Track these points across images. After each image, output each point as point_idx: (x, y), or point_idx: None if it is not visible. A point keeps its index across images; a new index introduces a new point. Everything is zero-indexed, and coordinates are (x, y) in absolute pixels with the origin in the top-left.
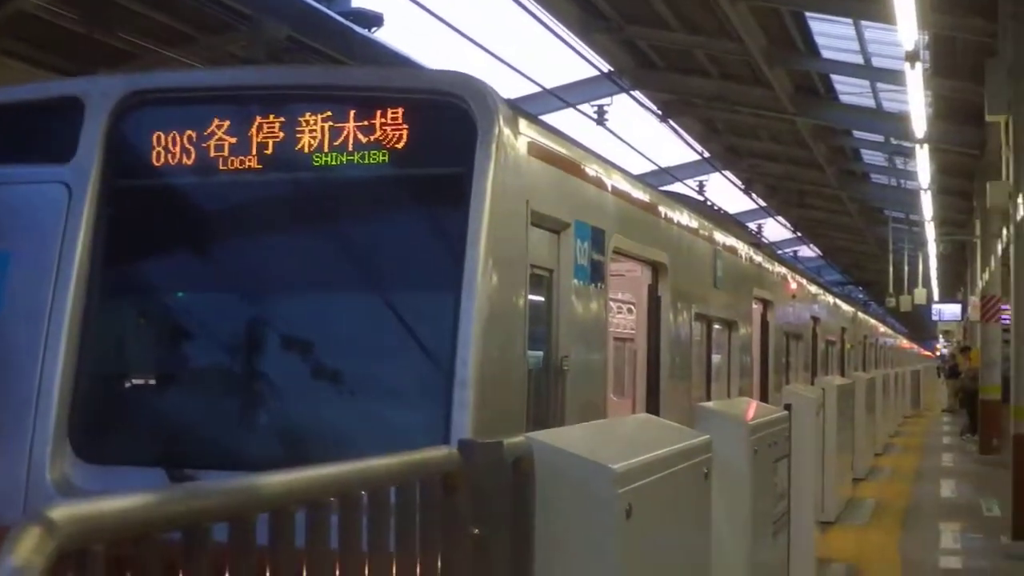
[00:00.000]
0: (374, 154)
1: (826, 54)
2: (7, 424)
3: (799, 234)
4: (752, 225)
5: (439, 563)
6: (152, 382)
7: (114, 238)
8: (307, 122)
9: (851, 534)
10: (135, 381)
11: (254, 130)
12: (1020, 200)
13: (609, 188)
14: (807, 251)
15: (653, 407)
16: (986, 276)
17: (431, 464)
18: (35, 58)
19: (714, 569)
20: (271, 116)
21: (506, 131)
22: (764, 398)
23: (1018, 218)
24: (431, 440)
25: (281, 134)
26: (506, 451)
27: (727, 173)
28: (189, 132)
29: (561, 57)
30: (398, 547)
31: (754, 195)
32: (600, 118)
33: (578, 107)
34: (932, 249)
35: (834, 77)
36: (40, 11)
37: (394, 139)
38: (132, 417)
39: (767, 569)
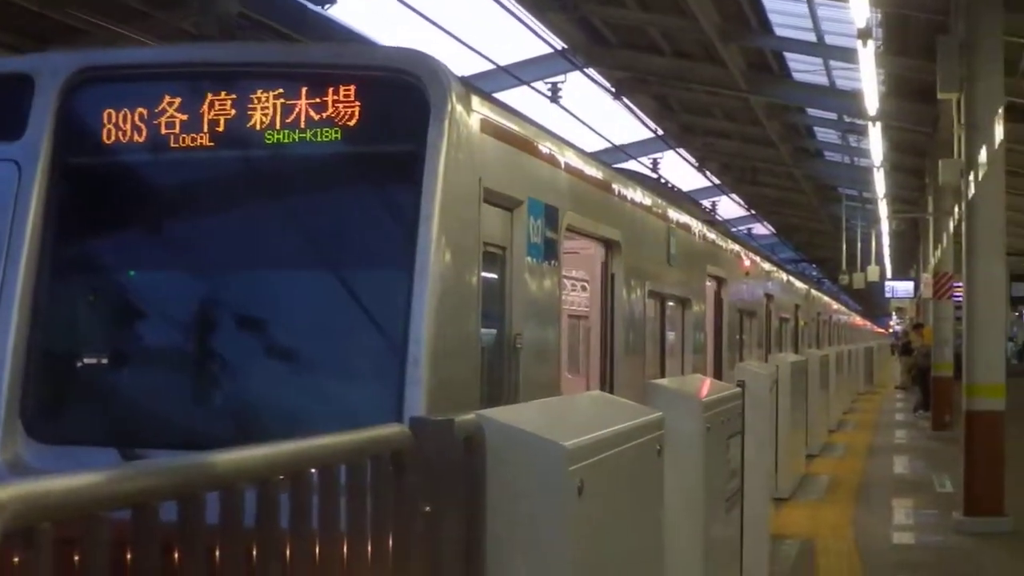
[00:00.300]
0: (326, 131)
1: (779, 32)
2: None
3: (753, 212)
4: (706, 203)
5: (390, 541)
6: (105, 361)
7: (65, 216)
8: (259, 99)
9: (805, 510)
10: (87, 360)
11: (206, 107)
12: (972, 178)
13: (562, 165)
14: (761, 229)
15: (606, 384)
16: (938, 254)
17: (382, 442)
18: None
19: (667, 546)
20: (223, 93)
21: (459, 108)
22: (718, 375)
23: (970, 196)
24: (385, 418)
25: (233, 111)
26: (457, 428)
27: (681, 151)
28: (140, 109)
29: (515, 34)
30: (349, 525)
31: (708, 173)
32: (554, 95)
33: (532, 85)
34: (885, 227)
35: (787, 55)
36: None
37: (346, 116)
38: (85, 396)
39: (720, 546)
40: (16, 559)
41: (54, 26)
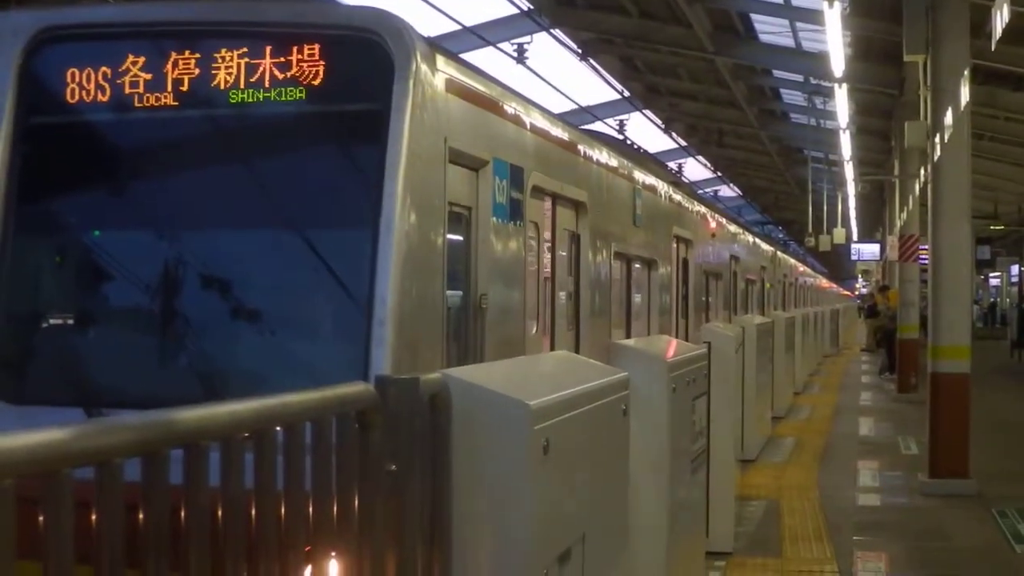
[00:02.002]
0: (291, 91)
1: None
2: None
3: (719, 174)
4: (672, 165)
5: (356, 499)
6: (69, 321)
7: (28, 176)
8: (223, 58)
9: (770, 472)
10: (51, 321)
11: (169, 66)
12: (938, 140)
13: (528, 126)
14: (727, 191)
15: (572, 345)
16: (904, 216)
17: (346, 400)
18: None
19: (632, 506)
20: (186, 52)
21: (423, 68)
22: (684, 336)
23: (936, 158)
24: (350, 378)
25: (197, 70)
26: (422, 387)
27: (647, 112)
28: (104, 68)
29: None
30: (314, 483)
31: (674, 134)
32: (520, 57)
33: (498, 46)
34: (851, 189)
35: (753, 16)
36: None
37: (310, 75)
38: (49, 357)
39: (686, 506)
40: None
41: None
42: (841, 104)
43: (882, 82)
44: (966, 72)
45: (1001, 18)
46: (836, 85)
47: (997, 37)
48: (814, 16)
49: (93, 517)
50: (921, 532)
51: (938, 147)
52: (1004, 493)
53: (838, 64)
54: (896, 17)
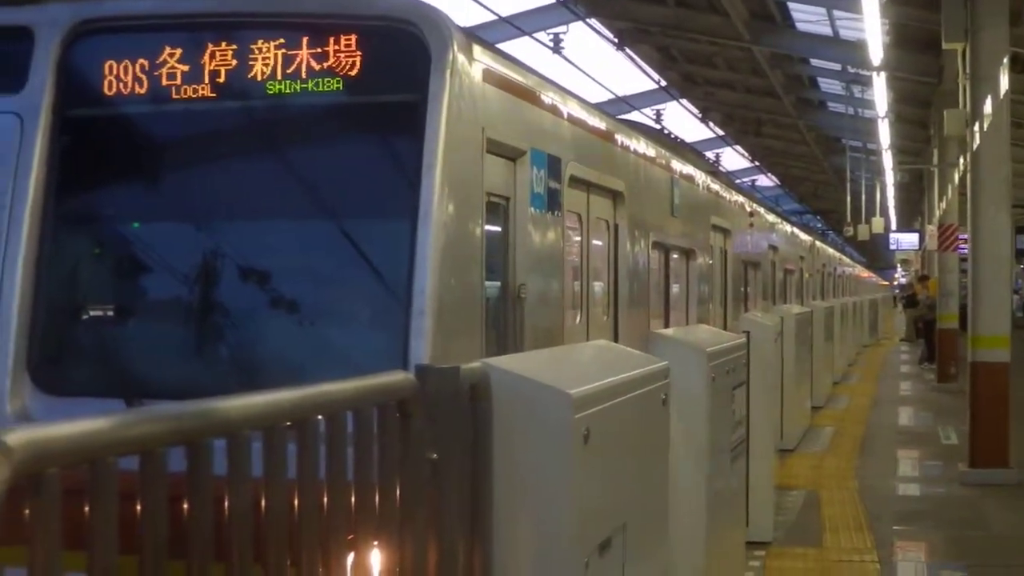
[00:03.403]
0: (328, 81)
1: None
2: None
3: (757, 163)
4: (710, 154)
5: (397, 488)
6: (110, 313)
7: (68, 168)
8: (260, 50)
9: (809, 461)
10: (93, 312)
11: (206, 58)
12: (977, 128)
13: (565, 116)
14: (765, 180)
15: (611, 334)
16: (943, 205)
17: (387, 389)
18: None
19: (672, 495)
20: (223, 44)
21: (460, 58)
22: (723, 326)
23: (975, 146)
24: (390, 369)
25: (234, 62)
26: (463, 376)
27: (684, 102)
28: (141, 60)
29: None
30: (356, 472)
31: (711, 124)
32: (556, 46)
33: (534, 35)
34: (889, 178)
35: (790, 4)
36: None
37: (347, 66)
38: (91, 348)
39: (725, 496)
40: (26, 508)
41: None
42: (879, 92)
43: (920, 70)
44: (1005, 60)
45: None
46: (874, 73)
47: None
48: (852, 4)
49: (137, 507)
50: (961, 521)
51: (977, 135)
52: None
53: (876, 52)
54: (934, 4)
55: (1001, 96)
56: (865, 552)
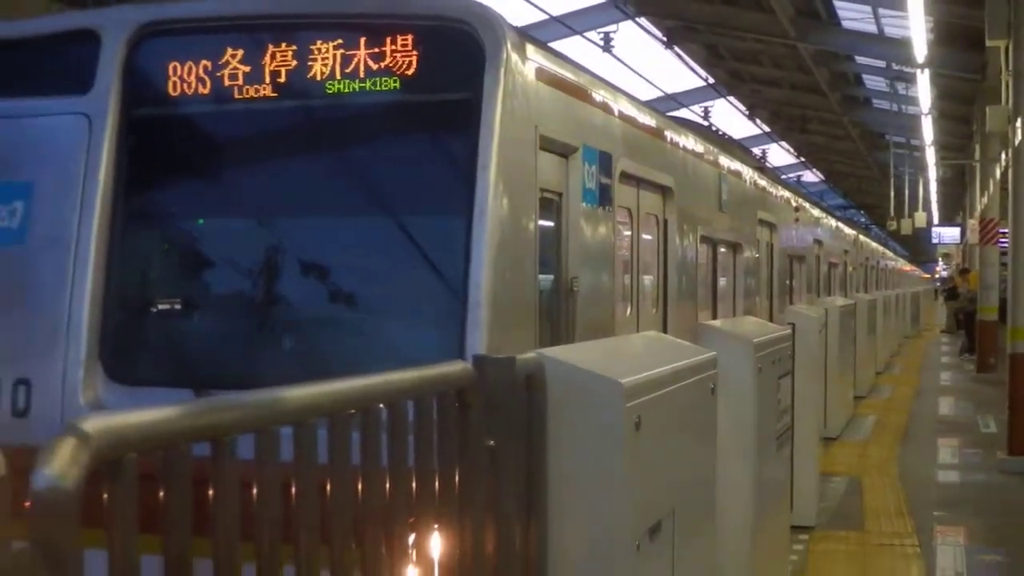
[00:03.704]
0: (385, 81)
1: None
2: (40, 351)
3: (802, 159)
4: (756, 150)
5: (456, 474)
6: (178, 306)
7: (135, 167)
8: (319, 50)
9: (852, 449)
10: (161, 306)
11: (267, 59)
12: (1019, 124)
13: (616, 113)
14: (810, 176)
15: (660, 325)
16: (985, 200)
17: (447, 379)
18: None
19: (719, 481)
20: (283, 45)
21: (514, 57)
22: (769, 318)
23: (1017, 142)
24: (447, 359)
25: (294, 62)
26: (518, 366)
27: (731, 99)
28: (204, 62)
29: None
30: (417, 458)
31: (758, 120)
32: (606, 45)
33: (584, 34)
34: (932, 173)
35: (835, 2)
36: None
37: (404, 65)
38: (160, 340)
39: (771, 482)
40: (104, 492)
41: None
42: (923, 89)
43: (964, 67)
44: None
45: None
46: (918, 71)
47: None
48: (897, 1)
49: (209, 491)
50: (1000, 508)
51: (1019, 131)
52: None
53: (920, 49)
54: (978, 2)
55: None
56: (905, 536)
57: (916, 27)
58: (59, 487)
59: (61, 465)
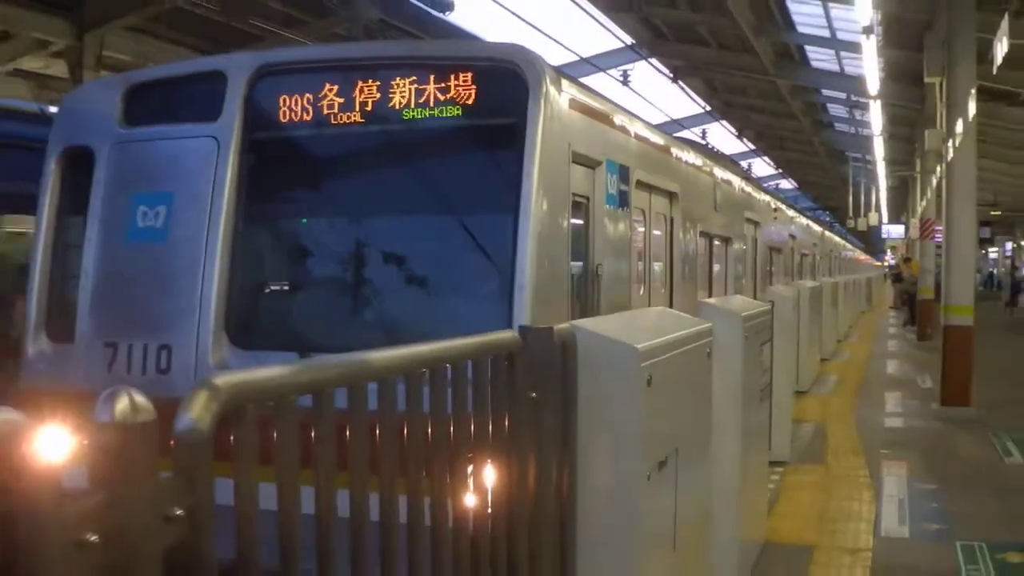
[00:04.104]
0: (449, 109)
1: (801, 28)
2: (178, 323)
3: (780, 170)
4: (744, 163)
5: (506, 420)
6: (285, 287)
7: (253, 179)
8: (397, 85)
9: (818, 401)
10: (272, 287)
11: (356, 92)
12: (951, 144)
13: (632, 134)
14: (786, 183)
15: (667, 303)
16: (924, 203)
17: (498, 345)
18: (186, 42)
19: (714, 427)
20: (369, 81)
21: (551, 89)
22: (753, 296)
23: (949, 158)
24: (498, 329)
25: (378, 95)
26: (555, 335)
27: (724, 123)
28: (307, 95)
29: (593, 32)
30: (474, 408)
31: (745, 140)
32: (624, 80)
33: (607, 72)
34: (882, 183)
35: (807, 47)
36: (190, 6)
37: (464, 97)
38: (271, 313)
39: (754, 426)
40: (230, 434)
41: (235, 32)
42: (875, 116)
43: (907, 99)
44: (973, 91)
45: (1001, 48)
46: (871, 101)
47: (998, 63)
48: (855, 46)
49: (311, 433)
50: (933, 447)
51: (951, 150)
52: (998, 418)
53: (873, 85)
54: (919, 46)
55: (970, 120)
56: (859, 469)
57: (870, 67)
58: (196, 429)
59: (198, 412)
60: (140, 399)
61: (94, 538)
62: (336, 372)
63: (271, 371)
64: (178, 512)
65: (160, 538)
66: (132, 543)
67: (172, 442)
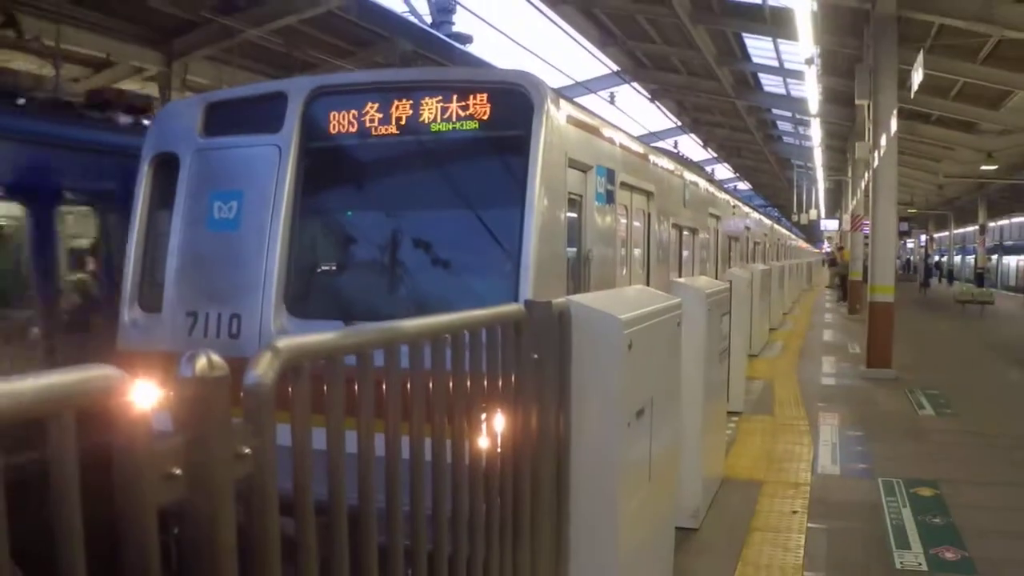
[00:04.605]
0: (469, 123)
1: (755, 59)
2: (246, 296)
3: (738, 174)
4: (708, 168)
5: (513, 376)
6: (333, 268)
7: (308, 179)
8: (426, 104)
9: (767, 363)
10: (323, 267)
11: (393, 109)
12: (876, 155)
13: (617, 143)
14: (743, 185)
15: (645, 282)
16: (854, 202)
17: (507, 316)
18: (255, 68)
19: (682, 384)
20: (404, 100)
21: (552, 107)
22: (715, 276)
23: (874, 166)
24: (508, 303)
25: (410, 111)
26: (554, 307)
27: (692, 135)
28: (352, 111)
29: (585, 61)
30: (487, 366)
31: (709, 149)
32: (611, 100)
33: (597, 93)
34: (821, 185)
35: (760, 75)
36: (257, 39)
37: (481, 113)
38: (322, 289)
39: (716, 383)
40: (289, 387)
41: (295, 60)
42: (815, 131)
43: (841, 117)
44: (895, 112)
45: (917, 78)
46: (812, 119)
47: (915, 90)
48: (799, 74)
49: (355, 387)
50: (860, 401)
51: (876, 159)
52: (912, 378)
53: (813, 105)
54: (851, 75)
55: (892, 134)
56: (800, 419)
57: (811, 91)
58: (261, 383)
59: (263, 369)
60: (216, 358)
61: (178, 471)
62: (375, 337)
63: (322, 337)
64: (246, 451)
65: (231, 472)
66: (209, 476)
67: (241, 393)
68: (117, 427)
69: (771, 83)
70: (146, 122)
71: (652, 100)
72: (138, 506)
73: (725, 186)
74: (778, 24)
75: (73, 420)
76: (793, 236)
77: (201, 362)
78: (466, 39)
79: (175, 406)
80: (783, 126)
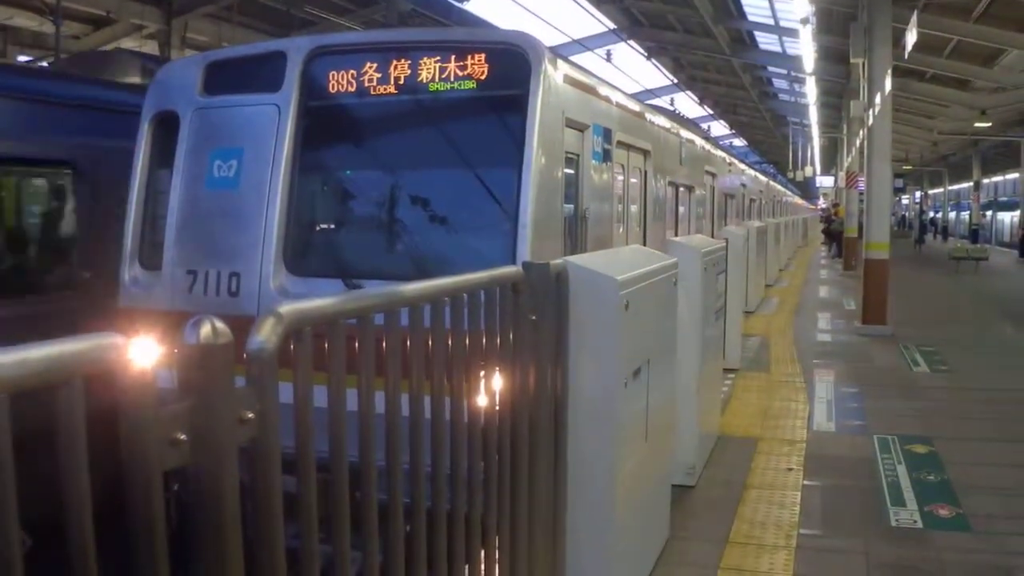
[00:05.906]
0: (467, 83)
1: (751, 17)
2: (246, 254)
3: (734, 131)
4: (704, 125)
5: (511, 335)
6: (332, 226)
7: (307, 138)
8: (425, 63)
9: (763, 319)
10: (322, 225)
11: (392, 69)
12: (871, 112)
13: (614, 102)
14: (739, 142)
15: (642, 241)
16: (849, 159)
17: (505, 277)
18: (255, 26)
19: (679, 342)
20: (402, 60)
21: (549, 67)
22: (711, 234)
23: (869, 124)
24: (505, 262)
25: (409, 71)
26: (551, 268)
27: (688, 93)
28: (351, 71)
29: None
30: (486, 326)
31: (705, 106)
32: (608, 58)
33: (594, 51)
34: (816, 142)
35: (756, 32)
36: None
37: (479, 73)
38: (320, 247)
39: (711, 340)
40: (291, 348)
41: (294, 19)
42: (810, 88)
43: (836, 75)
44: (889, 69)
45: (911, 36)
46: (807, 76)
47: (909, 48)
48: (794, 32)
49: (355, 346)
50: (855, 358)
51: (871, 117)
52: (907, 334)
53: (809, 63)
54: (846, 33)
55: (886, 92)
56: (796, 375)
57: (806, 49)
58: (264, 347)
59: (266, 334)
60: (220, 325)
61: (183, 437)
62: (376, 302)
63: (324, 301)
64: (250, 415)
65: (236, 437)
66: (214, 441)
67: (244, 355)
68: (123, 395)
69: (767, 41)
70: None
71: (648, 58)
72: (144, 472)
73: (721, 143)
74: None
75: (82, 388)
76: (789, 193)
77: (206, 329)
78: None
79: (179, 372)
80: (779, 83)
